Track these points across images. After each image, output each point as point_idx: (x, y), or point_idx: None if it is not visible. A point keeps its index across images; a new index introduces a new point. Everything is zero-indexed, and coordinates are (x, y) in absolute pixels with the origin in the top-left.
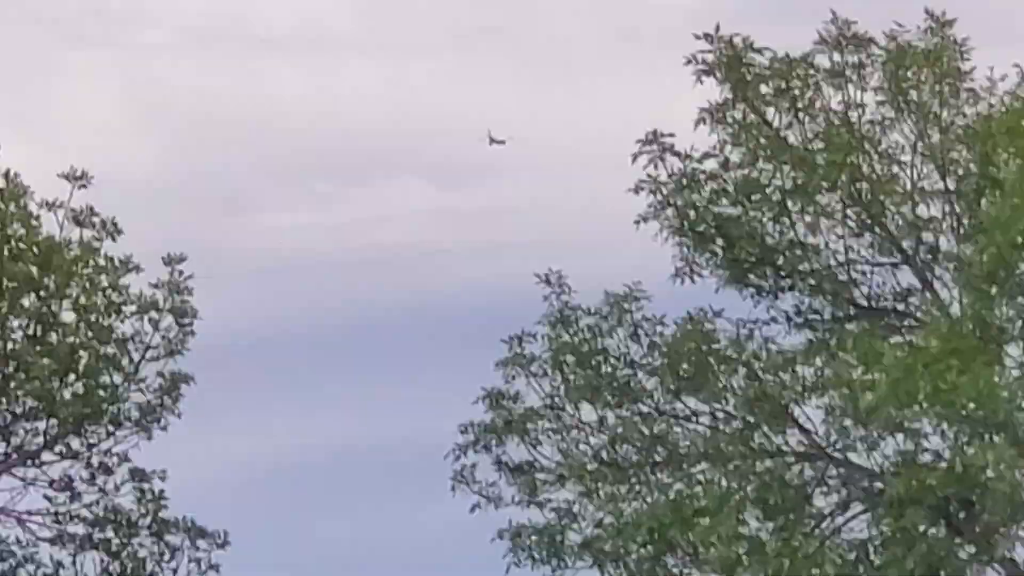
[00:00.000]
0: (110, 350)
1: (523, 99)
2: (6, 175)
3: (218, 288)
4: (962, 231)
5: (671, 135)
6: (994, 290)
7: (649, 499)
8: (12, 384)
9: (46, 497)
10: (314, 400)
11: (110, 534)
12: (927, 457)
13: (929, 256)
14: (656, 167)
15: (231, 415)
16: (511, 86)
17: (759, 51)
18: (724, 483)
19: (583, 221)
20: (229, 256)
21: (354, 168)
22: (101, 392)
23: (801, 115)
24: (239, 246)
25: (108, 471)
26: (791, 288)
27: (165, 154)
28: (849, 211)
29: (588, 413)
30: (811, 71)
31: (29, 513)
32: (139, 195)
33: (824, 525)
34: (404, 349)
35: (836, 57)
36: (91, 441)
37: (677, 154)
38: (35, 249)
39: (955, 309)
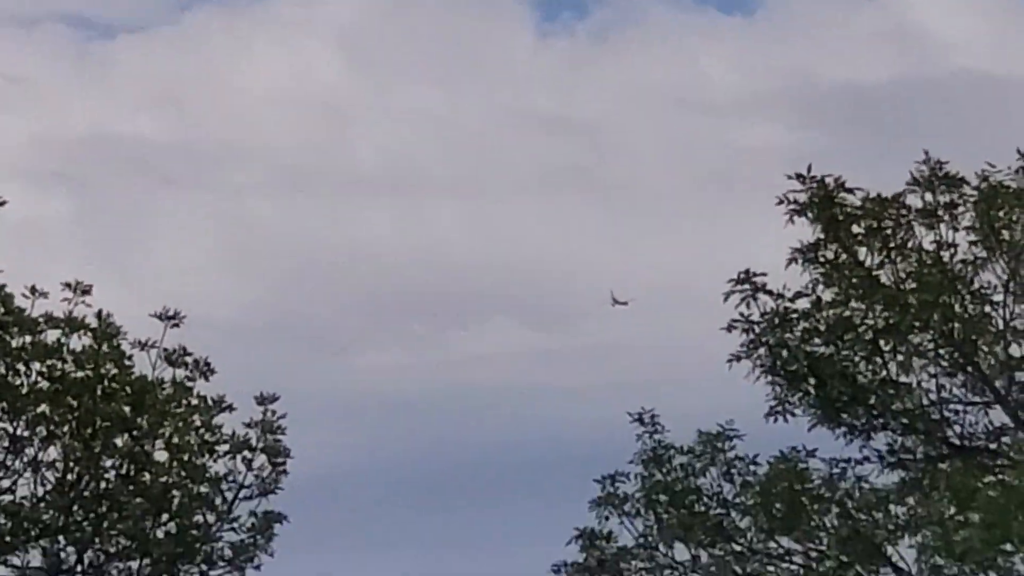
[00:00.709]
0: (203, 489)
1: (614, 240)
2: (99, 315)
3: (311, 427)
4: None
5: (763, 275)
6: None
7: None
8: (105, 524)
9: None
10: (406, 537)
11: None
12: None
13: (1022, 395)
14: (748, 306)
15: (324, 553)
16: (602, 227)
17: (851, 191)
18: None
19: (676, 361)
20: (322, 396)
21: (447, 309)
22: (194, 532)
23: (893, 254)
24: (332, 386)
25: None
26: (884, 427)
27: (257, 294)
28: (941, 350)
29: (681, 552)
30: (903, 211)
31: None
32: (232, 335)
33: None
34: (497, 488)
35: (928, 197)
36: None
37: (769, 293)
38: (128, 389)
39: None
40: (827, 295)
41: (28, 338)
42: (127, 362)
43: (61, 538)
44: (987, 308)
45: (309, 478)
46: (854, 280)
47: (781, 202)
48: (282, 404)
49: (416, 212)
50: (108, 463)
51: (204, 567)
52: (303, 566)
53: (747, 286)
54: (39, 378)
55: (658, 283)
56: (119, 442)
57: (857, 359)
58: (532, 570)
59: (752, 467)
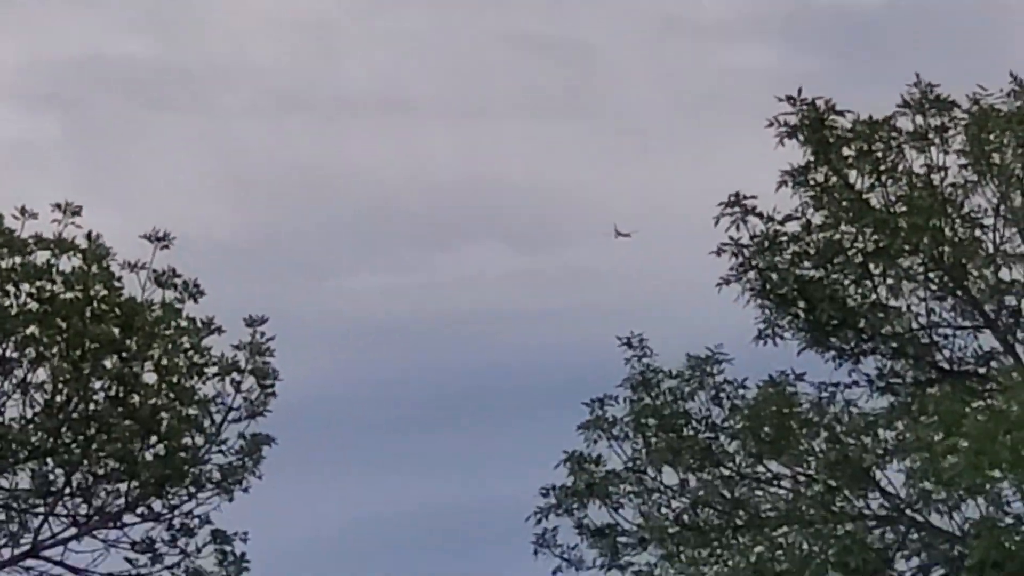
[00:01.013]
0: (192, 411)
1: (603, 162)
2: (89, 236)
3: (299, 350)
4: None
5: (753, 197)
6: None
7: (730, 562)
8: (94, 446)
9: (127, 559)
10: (395, 462)
11: None
12: (1008, 521)
13: (1011, 320)
14: (738, 229)
15: (312, 477)
16: (591, 149)
17: (841, 113)
18: (805, 546)
19: (665, 284)
20: (310, 319)
21: (435, 232)
22: (183, 454)
23: (883, 178)
24: (320, 309)
25: (190, 533)
26: (873, 351)
27: (246, 217)
28: (931, 274)
29: (670, 476)
30: (894, 134)
31: (111, 575)
32: (220, 258)
33: None
34: (485, 412)
35: (919, 120)
36: (172, 503)
37: (759, 216)
38: (117, 310)
39: None
40: (817, 218)
41: (17, 259)
42: (116, 283)
43: (49, 460)
44: (977, 232)
45: (297, 402)
46: (844, 203)
47: (771, 125)
48: (271, 327)
49: (405, 134)
50: (97, 385)
51: (192, 489)
52: (291, 490)
53: (737, 209)
54: (28, 299)
55: (647, 206)
56: (108, 364)
57: (847, 282)
58: (520, 494)
59: (740, 391)
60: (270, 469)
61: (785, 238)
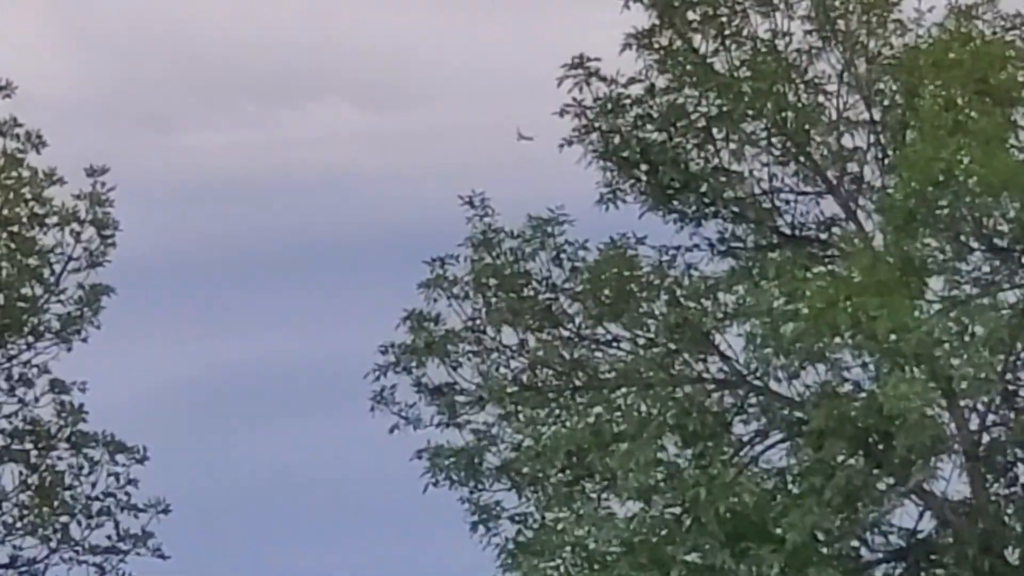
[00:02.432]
0: (32, 261)
1: (447, 23)
2: None
3: (141, 205)
4: (887, 162)
5: (597, 60)
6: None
7: (568, 423)
8: None
9: None
10: (235, 319)
11: (29, 446)
12: (847, 388)
13: (853, 187)
14: (581, 91)
15: (151, 332)
16: (436, 10)
17: None
18: (644, 409)
19: (507, 145)
20: (152, 173)
21: (280, 90)
22: (21, 303)
23: (728, 42)
24: (163, 163)
25: (28, 383)
26: (715, 215)
27: (88, 72)
28: (774, 139)
29: (509, 336)
30: None
31: None
32: (62, 110)
33: (743, 453)
34: (325, 270)
35: None
36: (11, 352)
37: (603, 79)
38: None
39: (878, 240)
40: (660, 82)
41: None
42: None
43: None
44: (821, 98)
45: (139, 256)
46: (688, 67)
47: None
48: (112, 180)
49: None
50: None
51: (31, 339)
52: (131, 343)
53: (580, 71)
54: None
55: (491, 67)
56: None
57: (689, 146)
58: (360, 352)
59: (582, 253)
60: (109, 325)
61: (628, 101)
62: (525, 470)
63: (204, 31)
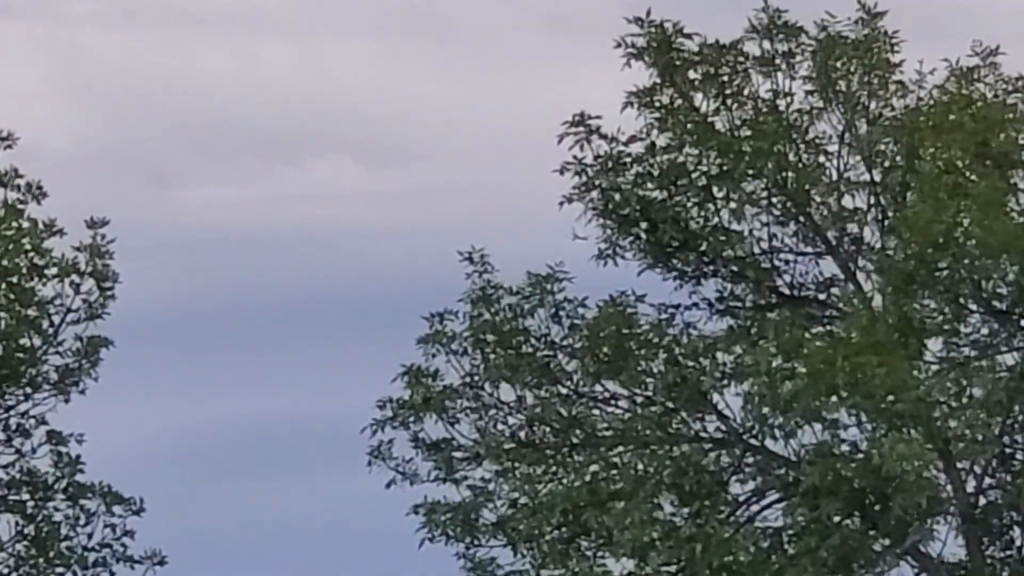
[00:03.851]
0: (31, 312)
1: (448, 81)
2: None
3: (141, 259)
4: (886, 223)
5: (598, 117)
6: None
7: (565, 480)
8: None
9: None
10: (234, 373)
11: (25, 496)
12: (844, 448)
13: (853, 247)
14: (582, 149)
15: (151, 385)
16: (437, 69)
17: (689, 36)
18: (640, 467)
19: (508, 203)
20: (152, 227)
21: (280, 146)
22: (20, 354)
23: (729, 101)
24: (162, 217)
25: (25, 433)
26: (714, 274)
27: (90, 125)
28: (774, 199)
29: (507, 393)
30: (740, 58)
31: None
32: (63, 163)
33: (739, 512)
34: (326, 326)
35: (766, 45)
36: (8, 403)
37: (603, 136)
38: None
39: (877, 301)
40: (661, 140)
41: None
42: None
43: None
44: (821, 158)
45: (138, 310)
46: (689, 125)
47: (619, 45)
48: (113, 233)
49: (250, 49)
50: None
51: (29, 390)
52: (129, 396)
53: (581, 128)
54: None
55: (492, 125)
56: None
57: (689, 205)
58: (359, 408)
59: (581, 310)
60: (108, 376)
61: (629, 159)
62: (521, 527)
63: (206, 87)
